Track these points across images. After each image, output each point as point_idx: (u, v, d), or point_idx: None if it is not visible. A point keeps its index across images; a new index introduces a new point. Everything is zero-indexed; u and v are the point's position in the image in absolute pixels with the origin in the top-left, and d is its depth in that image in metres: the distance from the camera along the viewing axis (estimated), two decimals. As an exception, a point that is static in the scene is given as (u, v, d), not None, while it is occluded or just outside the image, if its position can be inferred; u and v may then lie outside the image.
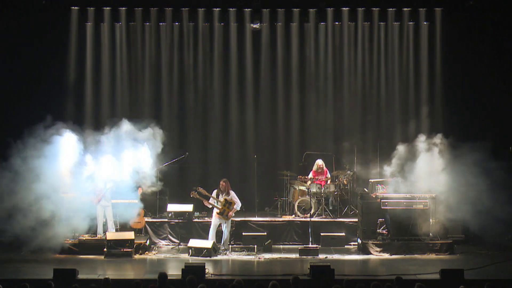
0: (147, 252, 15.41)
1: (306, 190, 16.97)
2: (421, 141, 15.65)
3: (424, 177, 15.39)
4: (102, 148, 15.44)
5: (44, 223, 14.88)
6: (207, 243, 15.11)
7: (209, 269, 13.02)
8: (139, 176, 15.63)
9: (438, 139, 15.68)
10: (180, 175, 17.61)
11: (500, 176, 15.31)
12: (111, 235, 15.14)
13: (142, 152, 15.53)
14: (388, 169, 15.84)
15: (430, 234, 15.43)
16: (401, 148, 15.73)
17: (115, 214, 15.74)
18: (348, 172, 17.42)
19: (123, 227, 15.86)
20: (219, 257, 14.99)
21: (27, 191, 14.77)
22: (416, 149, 15.61)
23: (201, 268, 12.52)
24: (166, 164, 16.74)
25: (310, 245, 15.42)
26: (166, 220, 16.53)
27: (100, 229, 15.49)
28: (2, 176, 14.87)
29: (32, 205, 14.77)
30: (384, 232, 15.60)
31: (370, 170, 16.63)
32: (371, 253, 15.26)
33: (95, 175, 15.37)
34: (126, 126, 15.51)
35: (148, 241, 15.76)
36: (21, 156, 14.95)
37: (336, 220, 16.81)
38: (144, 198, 15.97)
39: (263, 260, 14.88)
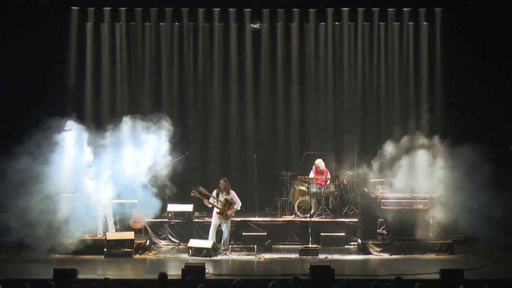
0: (147, 252, 15.41)
1: (306, 190, 16.97)
2: (408, 140, 15.74)
3: (413, 177, 15.46)
4: (110, 146, 15.52)
5: (46, 223, 14.90)
6: (207, 243, 15.12)
7: (209, 269, 13.04)
8: (151, 175, 15.73)
9: (425, 138, 15.79)
10: (180, 175, 17.58)
11: (497, 177, 15.37)
12: (111, 235, 15.14)
13: (154, 149, 15.63)
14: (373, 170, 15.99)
15: (430, 234, 15.43)
16: (388, 147, 15.86)
17: (115, 214, 15.78)
18: (348, 172, 17.41)
19: (123, 227, 15.91)
20: (219, 257, 15.00)
21: (32, 192, 14.81)
22: (404, 148, 15.70)
23: (201, 268, 12.53)
24: (166, 164, 16.73)
25: (310, 245, 15.43)
26: (166, 220, 16.53)
27: (100, 229, 15.49)
28: (6, 177, 14.92)
29: (36, 206, 14.80)
30: (384, 232, 15.60)
31: (370, 170, 16.62)
32: (371, 253, 15.26)
33: (102, 174, 15.41)
34: (135, 122, 15.62)
35: (148, 241, 15.76)
36: (23, 158, 14.98)
37: (336, 220, 16.81)
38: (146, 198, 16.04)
39: (263, 260, 14.88)
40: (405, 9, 18.34)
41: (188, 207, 16.57)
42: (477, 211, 15.10)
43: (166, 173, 16.68)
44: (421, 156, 15.59)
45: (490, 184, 15.25)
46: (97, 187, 15.39)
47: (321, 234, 16.11)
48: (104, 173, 15.41)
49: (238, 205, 15.53)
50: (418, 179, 15.49)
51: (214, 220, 15.54)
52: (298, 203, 17.00)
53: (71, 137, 15.37)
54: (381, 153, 16.45)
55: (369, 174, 16.55)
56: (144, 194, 15.87)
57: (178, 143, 17.60)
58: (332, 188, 17.29)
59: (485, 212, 15.14)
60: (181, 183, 17.54)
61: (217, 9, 18.32)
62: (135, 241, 15.12)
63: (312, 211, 16.66)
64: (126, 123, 15.76)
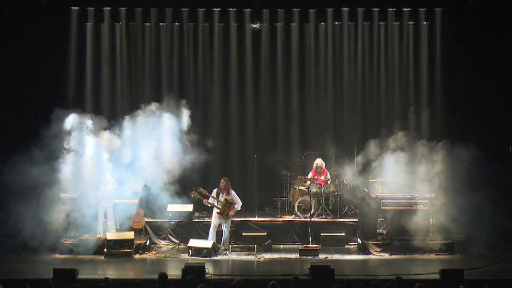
0: (147, 252, 15.41)
1: (306, 190, 16.97)
2: (405, 140, 15.80)
3: (412, 176, 15.48)
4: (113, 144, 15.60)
5: (46, 224, 14.91)
6: (207, 243, 15.11)
7: (209, 269, 13.02)
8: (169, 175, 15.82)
9: (424, 138, 15.89)
10: (180, 175, 17.56)
11: (497, 177, 15.38)
12: (111, 235, 15.14)
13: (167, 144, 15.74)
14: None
15: (430, 234, 15.42)
16: (387, 147, 15.93)
17: (115, 214, 15.78)
18: (348, 172, 17.40)
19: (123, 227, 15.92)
20: (219, 257, 14.99)
21: (33, 193, 14.83)
22: (402, 147, 15.76)
23: (201, 268, 12.52)
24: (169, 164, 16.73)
25: (310, 245, 15.42)
26: (166, 220, 16.52)
27: (100, 229, 15.49)
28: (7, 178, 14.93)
29: (36, 206, 14.82)
30: (384, 232, 15.59)
31: (370, 170, 16.62)
32: (371, 253, 15.26)
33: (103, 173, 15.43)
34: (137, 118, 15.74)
35: (148, 241, 15.76)
36: (22, 159, 14.99)
37: (336, 220, 16.82)
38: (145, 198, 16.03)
39: (263, 260, 14.88)
40: (405, 9, 18.35)
41: (188, 207, 16.55)
42: (477, 211, 15.11)
43: (177, 173, 16.61)
44: (419, 155, 15.59)
45: (490, 184, 15.25)
46: (97, 187, 15.39)
47: (321, 234, 16.11)
48: (105, 172, 15.42)
49: (238, 205, 15.53)
50: (417, 179, 15.49)
51: (214, 220, 15.53)
52: (298, 203, 17.00)
53: (73, 134, 15.36)
54: (380, 152, 16.44)
55: (368, 174, 16.54)
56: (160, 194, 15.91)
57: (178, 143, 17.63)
58: (332, 188, 17.29)
59: (485, 212, 15.15)
60: (181, 183, 17.51)
61: (217, 9, 18.34)
62: (135, 241, 15.12)
63: (312, 211, 16.66)
64: (128, 120, 15.83)
